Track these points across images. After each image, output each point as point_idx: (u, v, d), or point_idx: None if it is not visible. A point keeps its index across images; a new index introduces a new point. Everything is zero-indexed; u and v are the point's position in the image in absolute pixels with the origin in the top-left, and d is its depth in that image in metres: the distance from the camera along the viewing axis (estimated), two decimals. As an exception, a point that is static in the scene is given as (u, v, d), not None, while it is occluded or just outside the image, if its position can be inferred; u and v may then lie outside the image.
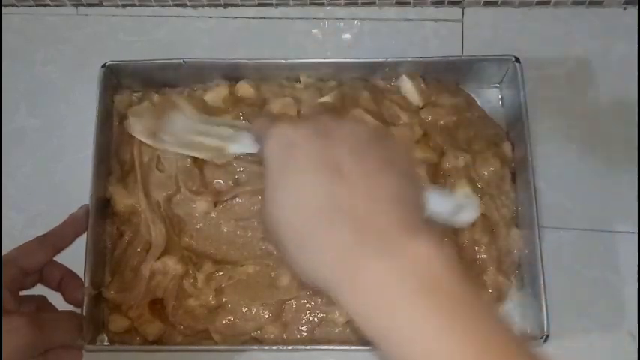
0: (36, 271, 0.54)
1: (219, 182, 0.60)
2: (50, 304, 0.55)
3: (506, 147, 0.61)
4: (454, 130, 0.62)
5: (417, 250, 0.33)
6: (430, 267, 0.32)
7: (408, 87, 0.62)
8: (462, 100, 0.63)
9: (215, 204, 0.59)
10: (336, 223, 0.34)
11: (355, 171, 0.35)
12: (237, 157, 0.57)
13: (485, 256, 0.58)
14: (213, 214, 0.60)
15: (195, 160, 0.60)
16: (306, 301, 0.58)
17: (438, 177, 0.61)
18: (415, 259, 0.32)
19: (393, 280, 0.32)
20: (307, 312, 0.58)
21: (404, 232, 0.33)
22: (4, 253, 0.52)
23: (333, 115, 0.39)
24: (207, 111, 0.60)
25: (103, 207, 0.60)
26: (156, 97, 0.62)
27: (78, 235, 0.56)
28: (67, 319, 0.52)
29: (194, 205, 0.59)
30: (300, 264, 0.36)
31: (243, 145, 0.52)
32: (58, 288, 0.55)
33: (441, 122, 0.62)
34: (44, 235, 0.55)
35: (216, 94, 0.62)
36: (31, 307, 0.53)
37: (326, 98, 0.61)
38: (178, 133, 0.56)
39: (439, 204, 0.44)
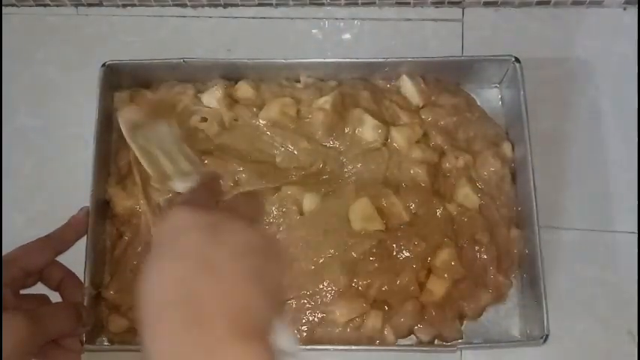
0: (37, 272, 0.54)
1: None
2: (51, 301, 0.55)
3: (507, 147, 0.61)
4: (454, 130, 0.62)
5: (238, 357, 0.33)
6: None
7: (408, 87, 0.62)
8: (462, 100, 0.63)
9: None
10: (177, 313, 0.35)
11: (223, 272, 0.36)
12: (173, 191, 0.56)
13: (485, 256, 0.58)
14: None
15: None
16: (306, 301, 0.58)
17: (438, 177, 0.61)
18: None
19: None
20: (307, 312, 0.58)
21: (231, 338, 0.34)
22: (5, 252, 0.52)
23: (237, 214, 0.41)
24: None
25: (103, 208, 0.60)
26: (162, 92, 0.62)
27: (79, 237, 0.56)
28: (65, 309, 0.52)
29: None
30: (147, 347, 0.36)
31: (184, 186, 0.53)
32: (57, 288, 0.56)
33: (441, 122, 0.62)
34: (46, 237, 0.55)
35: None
36: (32, 306, 0.53)
37: (326, 98, 0.61)
38: (152, 139, 0.56)
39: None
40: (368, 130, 0.60)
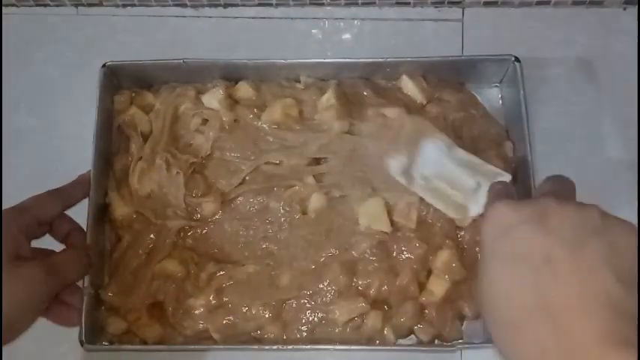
0: (47, 222, 0.55)
1: (221, 182, 0.60)
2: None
3: (508, 146, 0.61)
4: (459, 129, 0.62)
5: None
6: None
7: (410, 86, 0.62)
8: (467, 96, 0.63)
9: (222, 204, 0.60)
10: (537, 323, 0.33)
11: (567, 265, 0.34)
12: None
13: None
14: (219, 214, 0.60)
15: (192, 164, 0.61)
16: (306, 301, 0.58)
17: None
18: None
19: None
20: (307, 312, 0.58)
21: (601, 344, 0.31)
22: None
23: (560, 197, 0.37)
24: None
25: (102, 211, 0.60)
26: (164, 94, 0.62)
27: (85, 195, 0.58)
28: (77, 255, 0.54)
29: (200, 209, 0.60)
30: (505, 353, 0.36)
31: (481, 205, 0.51)
32: (63, 241, 0.57)
33: (450, 117, 0.61)
34: (56, 190, 0.56)
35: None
36: (40, 256, 0.54)
37: (327, 95, 0.61)
38: (429, 173, 0.56)
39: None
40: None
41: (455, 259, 0.57)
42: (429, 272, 0.58)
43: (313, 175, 0.60)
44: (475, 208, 0.53)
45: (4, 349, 0.48)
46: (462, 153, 0.56)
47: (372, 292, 0.57)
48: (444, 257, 0.57)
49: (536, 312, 0.34)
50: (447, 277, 0.57)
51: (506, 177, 0.53)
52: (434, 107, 0.62)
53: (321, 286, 0.57)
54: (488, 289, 0.36)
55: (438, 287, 0.57)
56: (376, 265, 0.57)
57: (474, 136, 0.62)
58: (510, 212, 0.37)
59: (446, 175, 0.55)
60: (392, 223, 0.58)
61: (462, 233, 0.58)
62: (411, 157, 0.57)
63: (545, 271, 0.34)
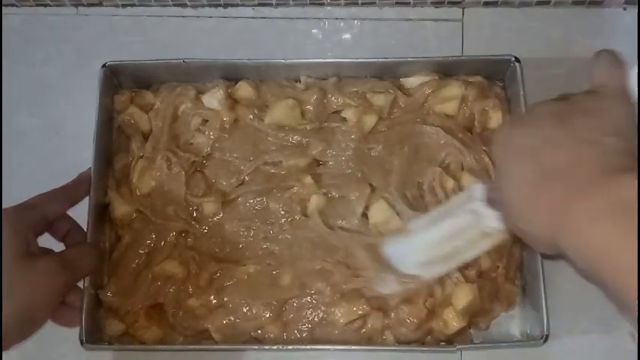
0: (52, 221, 0.55)
1: (222, 183, 0.60)
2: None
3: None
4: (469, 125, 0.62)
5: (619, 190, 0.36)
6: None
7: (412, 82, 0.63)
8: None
9: (222, 204, 0.60)
10: (544, 190, 0.39)
11: (564, 136, 0.40)
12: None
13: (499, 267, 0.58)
14: (220, 215, 0.60)
15: (194, 162, 0.61)
16: (306, 301, 0.58)
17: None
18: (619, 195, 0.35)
19: (603, 214, 0.36)
20: (308, 311, 0.58)
21: (604, 174, 0.37)
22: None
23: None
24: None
25: (102, 210, 0.60)
26: (164, 93, 0.62)
27: (86, 193, 0.58)
28: (87, 253, 0.55)
29: (201, 209, 0.60)
30: (525, 233, 0.42)
31: (494, 215, 0.50)
32: (62, 239, 0.57)
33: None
34: (61, 188, 0.56)
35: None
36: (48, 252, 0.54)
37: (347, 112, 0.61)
38: (432, 248, 0.55)
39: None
40: None
41: (474, 294, 0.56)
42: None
43: (312, 176, 0.60)
44: (493, 221, 0.51)
45: (5, 350, 0.48)
46: (426, 219, 0.56)
47: (374, 294, 0.57)
48: (464, 297, 0.56)
49: (539, 182, 0.40)
50: (465, 316, 0.56)
51: (478, 186, 0.53)
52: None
53: (323, 286, 0.57)
54: (503, 188, 0.43)
55: (453, 322, 0.56)
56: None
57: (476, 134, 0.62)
58: (510, 129, 0.44)
59: (441, 241, 0.54)
60: None
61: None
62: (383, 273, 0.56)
63: (547, 148, 0.40)
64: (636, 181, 0.35)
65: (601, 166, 0.37)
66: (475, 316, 0.57)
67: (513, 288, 0.58)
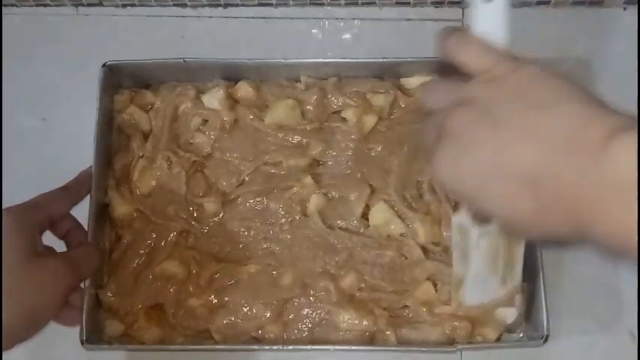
0: (56, 220, 0.55)
1: (222, 183, 0.60)
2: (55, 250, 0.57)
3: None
4: None
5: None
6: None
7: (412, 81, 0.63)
8: None
9: (222, 204, 0.60)
10: (546, 198, 0.36)
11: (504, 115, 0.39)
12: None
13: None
14: (220, 215, 0.60)
15: (194, 162, 0.61)
16: (307, 301, 0.58)
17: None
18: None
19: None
20: (308, 311, 0.58)
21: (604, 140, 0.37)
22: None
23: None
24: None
25: (102, 210, 0.60)
26: (164, 93, 0.62)
27: (88, 192, 0.57)
28: (91, 254, 0.55)
29: (201, 209, 0.60)
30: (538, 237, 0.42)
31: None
32: (63, 237, 0.57)
33: None
34: (64, 187, 0.56)
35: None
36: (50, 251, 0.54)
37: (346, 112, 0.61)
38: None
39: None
40: None
41: None
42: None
43: (312, 176, 0.60)
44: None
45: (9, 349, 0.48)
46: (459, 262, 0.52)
47: (376, 296, 0.57)
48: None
49: (538, 183, 0.36)
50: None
51: (459, 218, 0.50)
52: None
53: (324, 286, 0.57)
54: (494, 207, 0.39)
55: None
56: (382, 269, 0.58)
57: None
58: (445, 155, 0.41)
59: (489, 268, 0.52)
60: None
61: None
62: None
63: (509, 153, 0.38)
64: (636, 140, 0.34)
65: (589, 131, 0.37)
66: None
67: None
